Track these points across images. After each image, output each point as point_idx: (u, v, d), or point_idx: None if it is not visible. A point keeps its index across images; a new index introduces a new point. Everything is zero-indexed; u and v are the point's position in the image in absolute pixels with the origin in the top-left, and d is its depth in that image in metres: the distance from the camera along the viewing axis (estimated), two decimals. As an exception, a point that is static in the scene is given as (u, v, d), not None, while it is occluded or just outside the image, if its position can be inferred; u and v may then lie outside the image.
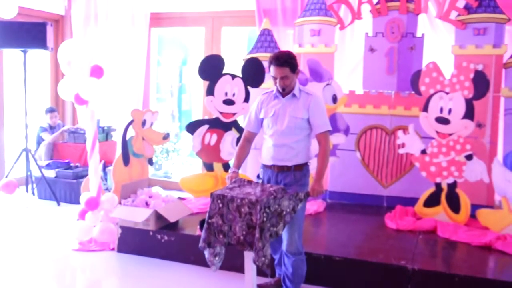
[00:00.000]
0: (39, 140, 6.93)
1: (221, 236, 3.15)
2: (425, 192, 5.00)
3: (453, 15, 5.20)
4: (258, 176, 3.60)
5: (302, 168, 3.44)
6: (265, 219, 2.99)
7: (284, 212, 3.10)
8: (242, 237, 3.06)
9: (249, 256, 3.21)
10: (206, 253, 3.24)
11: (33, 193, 6.38)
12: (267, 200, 3.01)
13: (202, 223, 4.46)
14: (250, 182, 3.36)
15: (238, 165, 3.53)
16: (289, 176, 3.41)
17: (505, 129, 5.07)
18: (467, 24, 5.15)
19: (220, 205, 3.13)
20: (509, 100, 5.00)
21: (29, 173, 6.19)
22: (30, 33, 5.81)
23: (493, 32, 5.06)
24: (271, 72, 3.38)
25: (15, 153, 6.19)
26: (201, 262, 4.25)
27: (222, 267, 4.13)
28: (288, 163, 3.40)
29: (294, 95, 3.43)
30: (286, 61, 3.32)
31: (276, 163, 3.42)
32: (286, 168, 3.41)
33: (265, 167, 3.52)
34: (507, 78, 5.07)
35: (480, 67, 4.96)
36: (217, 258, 3.25)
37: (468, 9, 5.12)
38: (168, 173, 7.78)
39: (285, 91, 3.41)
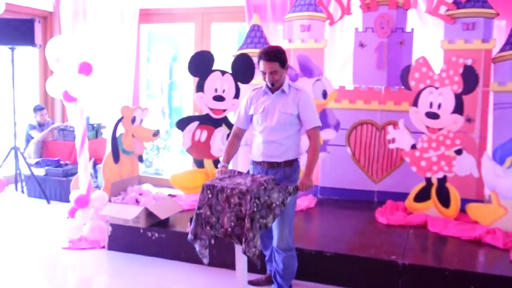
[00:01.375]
0: (28, 138, 6.88)
1: (208, 228, 3.15)
2: (415, 187, 5.02)
3: (442, 10, 5.21)
4: (247, 173, 3.59)
5: (292, 164, 3.44)
6: (255, 209, 2.98)
7: (274, 205, 3.10)
8: (230, 229, 3.06)
9: (239, 249, 3.20)
10: (197, 246, 3.24)
11: (23, 192, 6.33)
12: (258, 190, 3.01)
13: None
14: (240, 173, 3.36)
15: (228, 160, 3.52)
16: (279, 172, 3.40)
17: (494, 124, 5.09)
18: (456, 19, 5.16)
19: (209, 196, 3.12)
20: (498, 94, 5.02)
21: (18, 171, 6.15)
22: (18, 29, 5.75)
23: (482, 27, 5.08)
24: (260, 67, 3.37)
25: (3, 151, 6.14)
26: (192, 259, 4.26)
27: (213, 264, 4.14)
28: (278, 159, 3.39)
29: (283, 91, 3.42)
30: (275, 55, 3.32)
31: (266, 159, 3.42)
32: (276, 164, 3.40)
33: (255, 163, 3.52)
34: (496, 72, 5.10)
35: (469, 62, 4.98)
36: (208, 251, 3.25)
37: (457, 4, 5.13)
38: (158, 170, 7.75)
39: (274, 86, 3.40)
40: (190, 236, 3.20)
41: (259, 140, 3.47)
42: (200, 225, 3.16)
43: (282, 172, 3.40)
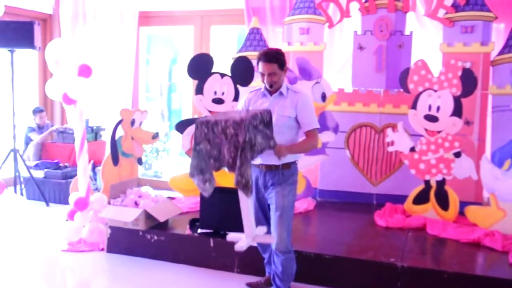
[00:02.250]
0: (28, 141, 6.88)
1: (211, 161, 3.11)
2: (414, 189, 5.02)
3: (441, 13, 5.23)
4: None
5: (290, 166, 3.43)
6: (247, 138, 2.96)
7: (255, 148, 3.06)
8: (231, 160, 3.03)
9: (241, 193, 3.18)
10: (195, 180, 3.16)
11: (22, 194, 6.33)
12: (250, 122, 3.00)
13: (192, 222, 4.48)
14: (236, 110, 3.34)
15: None
16: (277, 175, 3.39)
17: (493, 127, 5.10)
18: (455, 22, 5.18)
19: (206, 131, 3.08)
20: (497, 97, 5.03)
21: (17, 174, 6.14)
22: (18, 32, 5.76)
23: (481, 30, 5.10)
24: (259, 68, 3.38)
25: (3, 154, 6.14)
26: (191, 261, 4.27)
27: (212, 266, 4.15)
28: (276, 162, 3.37)
29: (281, 93, 3.43)
30: (274, 57, 3.33)
31: (264, 162, 3.40)
32: (274, 167, 3.39)
33: (253, 166, 3.49)
34: (495, 75, 5.11)
35: (468, 65, 4.99)
36: (207, 184, 3.16)
37: (455, 7, 5.15)
38: (157, 173, 7.76)
39: (272, 87, 3.41)
40: (192, 171, 3.13)
41: None
42: (203, 160, 3.11)
43: (280, 175, 3.38)
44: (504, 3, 5.37)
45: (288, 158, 3.40)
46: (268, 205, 3.50)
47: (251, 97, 3.56)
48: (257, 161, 3.42)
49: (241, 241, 3.32)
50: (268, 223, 3.52)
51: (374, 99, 5.60)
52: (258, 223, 3.54)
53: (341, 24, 5.84)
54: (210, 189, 3.17)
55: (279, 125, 3.36)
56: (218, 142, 3.07)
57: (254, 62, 4.70)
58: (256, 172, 3.47)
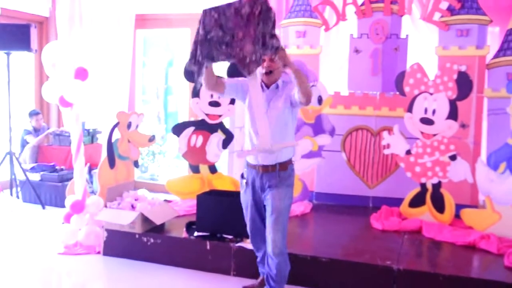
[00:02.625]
0: (24, 143, 6.86)
1: (223, 47, 2.99)
2: (410, 192, 5.04)
3: (437, 16, 5.25)
4: (242, 176, 3.55)
5: (287, 167, 3.38)
6: (258, 13, 2.88)
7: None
8: (245, 43, 2.93)
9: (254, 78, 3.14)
10: (195, 68, 3.08)
11: (18, 197, 6.31)
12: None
13: (188, 225, 4.49)
14: None
15: None
16: (274, 178, 3.35)
17: (488, 130, 5.12)
18: (450, 26, 5.20)
19: (216, 16, 2.95)
20: (492, 100, 5.06)
21: (13, 177, 6.13)
22: (14, 35, 5.76)
23: (476, 33, 5.12)
24: None
25: (-1, 156, 6.13)
26: (188, 264, 4.27)
27: (208, 269, 4.15)
28: (273, 162, 3.32)
29: (277, 86, 3.38)
30: None
31: (261, 162, 3.34)
32: (271, 168, 3.34)
33: (249, 166, 3.48)
34: (490, 79, 5.14)
35: (463, 68, 5.01)
36: (200, 78, 3.12)
37: (451, 10, 5.17)
38: (154, 176, 7.75)
39: (269, 76, 3.33)
40: (203, 60, 3.04)
41: (253, 138, 3.39)
42: (215, 48, 2.99)
43: (277, 177, 3.35)
44: (499, 6, 5.40)
45: (284, 156, 3.36)
46: (264, 206, 3.48)
47: (247, 81, 3.40)
48: (253, 161, 3.39)
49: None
50: (263, 225, 3.50)
51: (370, 102, 5.61)
52: (253, 223, 3.55)
53: (337, 27, 5.85)
54: (200, 83, 3.13)
55: (272, 119, 3.31)
56: (231, 26, 2.94)
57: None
58: (252, 173, 3.44)
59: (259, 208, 3.53)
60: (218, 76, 3.39)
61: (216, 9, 2.95)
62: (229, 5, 2.91)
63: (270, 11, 2.98)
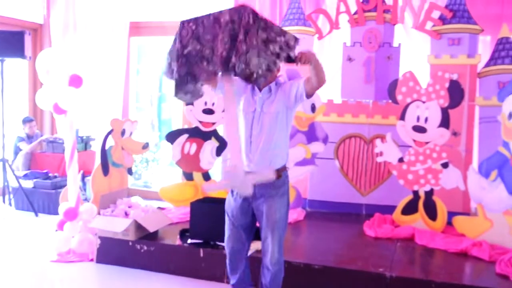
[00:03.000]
0: (17, 150, 6.84)
1: (204, 63, 2.79)
2: (403, 200, 5.07)
3: (429, 25, 5.31)
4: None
5: (281, 174, 3.25)
6: (252, 21, 2.63)
7: (271, 43, 2.76)
8: (225, 52, 2.69)
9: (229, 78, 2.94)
10: (179, 94, 2.94)
11: (10, 204, 6.28)
12: (259, 17, 2.68)
13: (182, 233, 4.49)
14: None
15: None
16: (268, 186, 3.19)
17: (480, 138, 5.17)
18: (442, 35, 5.26)
19: (193, 27, 2.75)
20: (483, 109, 5.10)
21: (6, 184, 6.11)
22: (8, 42, 5.77)
23: (467, 42, 5.17)
24: None
25: (-9, 164, 6.11)
26: (181, 271, 4.26)
27: (202, 277, 4.15)
28: (267, 169, 3.18)
29: (270, 89, 3.21)
30: None
31: (254, 170, 3.19)
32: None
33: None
34: (482, 87, 5.18)
35: (455, 77, 5.06)
36: (188, 96, 2.97)
37: (443, 20, 5.23)
38: (147, 183, 7.74)
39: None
40: (186, 79, 2.87)
41: (248, 142, 3.24)
42: (195, 64, 2.79)
43: (271, 186, 3.21)
44: (490, 16, 5.46)
45: (278, 163, 3.24)
46: (253, 215, 3.32)
47: (243, 86, 3.31)
48: (245, 168, 3.22)
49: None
50: (247, 238, 3.38)
51: (363, 110, 5.65)
52: (236, 235, 3.36)
53: (331, 36, 5.89)
54: (190, 99, 2.95)
55: (265, 124, 3.18)
56: (209, 38, 2.72)
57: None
58: None
59: (246, 217, 3.33)
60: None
61: (195, 19, 2.79)
62: (208, 14, 2.75)
63: (260, 19, 2.80)
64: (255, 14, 2.70)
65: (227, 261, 3.43)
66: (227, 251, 3.40)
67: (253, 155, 3.21)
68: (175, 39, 2.89)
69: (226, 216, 3.38)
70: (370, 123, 5.63)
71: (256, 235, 3.48)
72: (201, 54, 2.75)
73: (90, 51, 7.13)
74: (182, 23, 2.83)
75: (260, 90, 3.23)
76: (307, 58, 2.97)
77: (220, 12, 2.70)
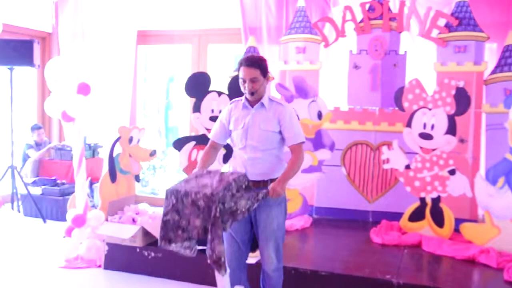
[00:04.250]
0: (25, 157, 6.90)
1: (180, 232, 2.97)
2: (409, 207, 5.06)
3: (435, 33, 5.32)
4: (218, 171, 3.36)
5: None
6: (218, 214, 2.83)
7: (238, 212, 2.95)
8: (201, 231, 2.91)
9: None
10: (173, 247, 3.02)
11: (19, 211, 6.32)
12: (223, 195, 2.87)
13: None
14: (209, 171, 3.16)
15: (203, 168, 3.31)
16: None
17: (487, 145, 5.16)
18: (448, 42, 5.27)
19: (174, 201, 2.96)
20: (490, 116, 5.10)
21: (14, 191, 6.15)
22: (17, 50, 5.83)
23: (473, 49, 5.18)
24: (240, 74, 3.20)
25: (0, 171, 6.15)
26: (188, 278, 4.28)
27: (208, 283, 4.16)
28: (265, 177, 3.25)
29: (262, 105, 3.25)
30: (256, 62, 3.17)
31: (253, 178, 3.22)
32: (262, 183, 3.24)
33: None
34: (488, 94, 5.19)
35: (461, 84, 5.06)
36: (188, 251, 3.02)
37: (449, 27, 5.24)
38: (155, 190, 7.77)
39: (253, 96, 3.22)
40: (161, 243, 3.01)
41: (244, 157, 3.29)
42: (171, 231, 2.98)
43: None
44: (496, 23, 5.47)
45: (276, 173, 3.26)
46: (251, 222, 3.35)
47: (231, 109, 3.39)
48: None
49: None
50: (245, 247, 3.41)
51: (370, 117, 5.66)
52: (233, 245, 3.37)
53: (337, 44, 5.92)
54: (193, 254, 3.04)
55: (261, 140, 3.22)
56: (187, 213, 2.94)
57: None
58: None
59: (245, 229, 3.36)
60: (212, 146, 3.46)
61: (176, 193, 2.97)
62: (187, 193, 2.94)
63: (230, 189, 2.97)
64: (224, 200, 2.90)
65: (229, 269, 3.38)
66: (227, 261, 3.33)
67: (252, 166, 3.26)
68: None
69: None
70: (377, 130, 5.63)
71: (255, 243, 3.47)
72: (178, 224, 2.99)
73: (98, 59, 7.20)
74: (166, 194, 3.03)
75: (252, 106, 3.29)
76: (278, 194, 3.11)
77: (197, 196, 2.91)
